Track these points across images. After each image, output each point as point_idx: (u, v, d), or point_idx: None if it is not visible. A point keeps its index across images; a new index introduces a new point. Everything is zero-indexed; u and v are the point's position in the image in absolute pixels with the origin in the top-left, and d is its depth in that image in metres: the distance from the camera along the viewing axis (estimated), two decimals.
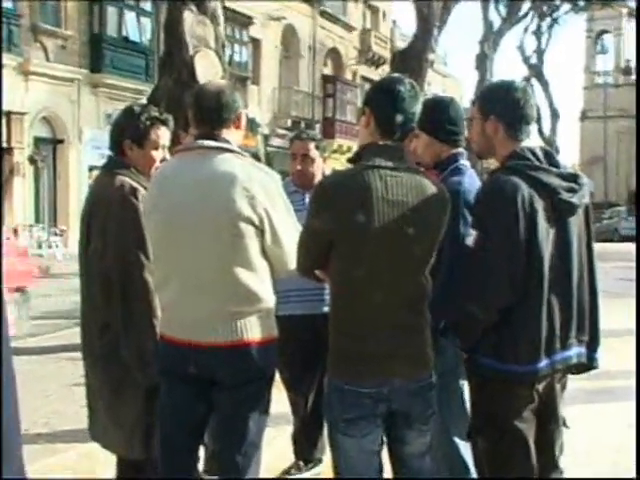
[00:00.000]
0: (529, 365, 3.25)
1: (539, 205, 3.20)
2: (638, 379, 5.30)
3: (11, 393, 2.31)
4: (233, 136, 3.40)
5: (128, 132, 3.87)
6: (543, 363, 3.27)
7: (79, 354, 4.07)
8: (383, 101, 3.16)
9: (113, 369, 3.81)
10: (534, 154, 3.31)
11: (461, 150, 3.78)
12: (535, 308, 3.25)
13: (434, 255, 3.18)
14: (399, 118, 3.12)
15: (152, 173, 3.71)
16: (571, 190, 3.28)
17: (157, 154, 3.88)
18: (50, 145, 26.15)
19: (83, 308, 4.01)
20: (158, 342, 3.57)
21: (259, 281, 3.30)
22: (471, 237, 3.18)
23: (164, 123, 3.94)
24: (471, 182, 3.68)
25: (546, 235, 3.21)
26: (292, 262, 3.34)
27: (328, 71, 40.90)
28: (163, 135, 3.93)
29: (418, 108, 3.18)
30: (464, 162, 3.75)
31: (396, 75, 3.32)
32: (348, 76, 41.77)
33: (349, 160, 3.21)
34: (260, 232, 3.26)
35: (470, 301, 3.24)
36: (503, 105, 3.33)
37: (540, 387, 3.33)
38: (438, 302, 3.27)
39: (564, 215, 3.27)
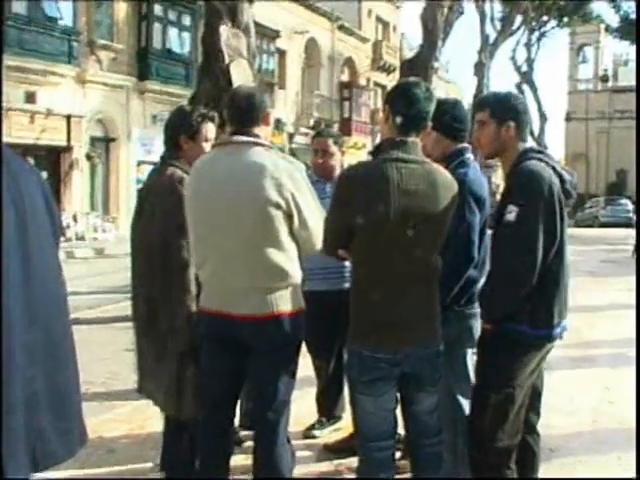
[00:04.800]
0: (556, 328, 3.24)
1: (559, 188, 3.21)
2: (638, 376, 5.24)
3: (73, 361, 2.31)
4: (262, 132, 3.37)
5: (183, 129, 3.88)
6: (560, 327, 3.28)
7: (129, 323, 4.08)
8: (400, 101, 3.13)
9: (155, 336, 3.82)
10: (540, 151, 3.35)
11: (466, 145, 3.74)
12: (560, 278, 3.24)
13: (444, 237, 3.15)
14: (414, 116, 3.10)
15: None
16: (570, 182, 3.30)
17: (207, 146, 3.88)
18: (104, 143, 26.18)
19: (133, 281, 4.01)
20: (191, 313, 3.57)
21: (288, 260, 3.28)
22: (512, 213, 3.11)
23: (211, 119, 3.96)
24: (475, 173, 3.65)
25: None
26: (317, 243, 3.32)
27: (345, 77, 40.75)
28: (211, 130, 3.94)
29: (432, 108, 3.16)
30: (469, 156, 3.72)
31: (413, 79, 3.29)
32: (362, 82, 41.58)
33: (370, 153, 3.20)
34: (288, 216, 3.23)
35: (515, 269, 3.12)
36: (517, 112, 3.34)
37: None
38: (445, 279, 3.24)
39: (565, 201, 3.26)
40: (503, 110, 3.35)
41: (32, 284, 2.11)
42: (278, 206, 3.20)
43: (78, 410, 2.35)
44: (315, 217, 3.31)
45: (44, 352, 2.15)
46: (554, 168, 3.25)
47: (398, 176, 2.99)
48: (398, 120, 3.10)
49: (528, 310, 3.18)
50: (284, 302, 3.29)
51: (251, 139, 3.30)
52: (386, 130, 3.17)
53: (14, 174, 2.12)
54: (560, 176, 3.24)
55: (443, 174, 3.15)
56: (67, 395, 2.27)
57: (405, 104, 3.11)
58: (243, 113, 3.34)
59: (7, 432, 2.00)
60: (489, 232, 3.56)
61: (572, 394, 6.04)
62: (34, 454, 2.11)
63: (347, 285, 4.35)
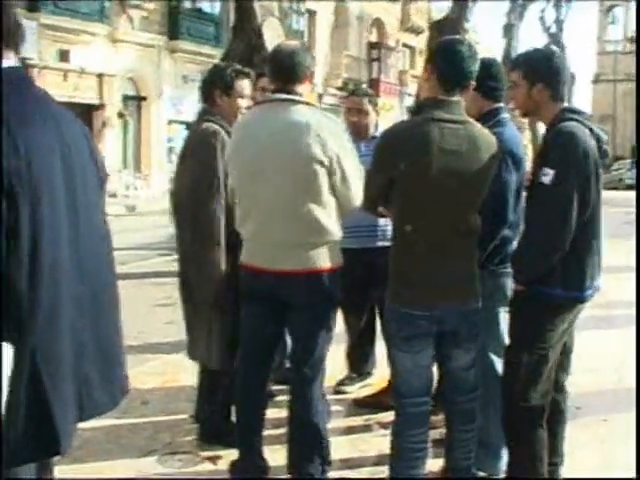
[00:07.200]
0: (588, 290, 3.20)
1: (595, 150, 3.13)
2: (638, 367, 5.18)
3: (117, 313, 2.32)
4: (305, 90, 3.33)
5: (217, 84, 3.90)
6: (592, 289, 3.24)
7: (160, 279, 4.10)
8: (445, 59, 3.06)
9: (190, 290, 3.84)
10: (576, 111, 3.26)
11: (502, 104, 3.67)
12: (594, 241, 3.19)
13: (483, 196, 3.11)
14: (458, 75, 3.04)
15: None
16: (605, 142, 3.23)
17: (242, 102, 3.91)
18: (135, 102, 26.22)
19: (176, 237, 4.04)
20: (218, 265, 3.60)
21: (328, 217, 3.26)
22: (548, 176, 3.02)
23: (247, 75, 3.98)
24: (511, 132, 3.59)
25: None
26: (356, 200, 3.30)
27: (373, 38, 40.27)
28: (246, 86, 3.96)
29: (476, 67, 3.08)
30: (505, 115, 3.65)
31: (458, 36, 3.23)
32: (391, 43, 41.11)
33: (411, 111, 3.16)
34: (330, 173, 3.21)
35: (549, 233, 3.05)
36: (548, 73, 3.21)
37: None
38: (481, 238, 3.20)
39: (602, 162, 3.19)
40: (533, 72, 3.24)
41: (80, 237, 2.10)
42: (322, 164, 3.17)
43: (121, 360, 2.37)
44: (356, 175, 3.29)
45: (91, 304, 2.15)
46: (591, 129, 3.18)
47: (440, 136, 2.95)
48: (441, 79, 3.04)
49: (560, 273, 3.12)
50: (324, 258, 3.28)
51: (294, 97, 3.26)
52: (428, 88, 3.11)
53: (58, 123, 2.09)
54: (597, 136, 3.17)
55: (485, 135, 3.10)
56: (110, 346, 2.29)
57: (449, 62, 3.04)
58: (286, 71, 3.29)
59: (56, 379, 2.01)
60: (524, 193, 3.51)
61: (596, 353, 6.01)
62: (81, 402, 2.13)
63: (379, 243, 4.35)
